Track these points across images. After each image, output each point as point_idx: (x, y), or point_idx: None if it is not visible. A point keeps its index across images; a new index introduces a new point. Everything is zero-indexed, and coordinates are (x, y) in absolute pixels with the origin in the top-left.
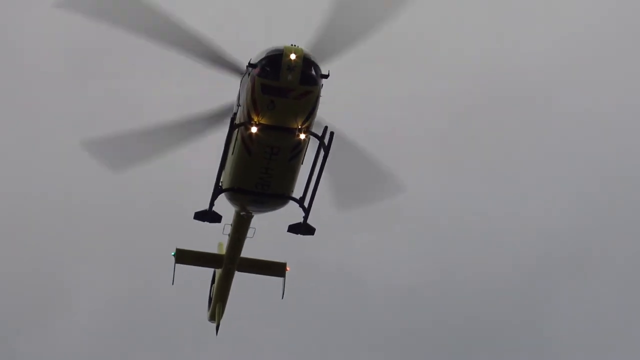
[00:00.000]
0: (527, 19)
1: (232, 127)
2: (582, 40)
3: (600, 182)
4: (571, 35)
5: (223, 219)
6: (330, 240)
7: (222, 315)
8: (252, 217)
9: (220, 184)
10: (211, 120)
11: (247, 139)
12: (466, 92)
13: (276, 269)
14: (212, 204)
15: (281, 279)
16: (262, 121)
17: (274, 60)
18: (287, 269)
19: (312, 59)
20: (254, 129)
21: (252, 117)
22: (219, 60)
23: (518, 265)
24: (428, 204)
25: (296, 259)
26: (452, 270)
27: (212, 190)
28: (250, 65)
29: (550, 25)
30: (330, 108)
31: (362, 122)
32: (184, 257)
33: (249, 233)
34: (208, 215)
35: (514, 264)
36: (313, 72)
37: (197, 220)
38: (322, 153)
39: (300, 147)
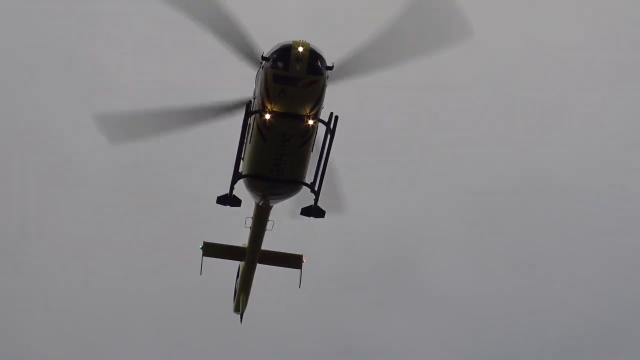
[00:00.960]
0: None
1: (247, 114)
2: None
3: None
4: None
5: (244, 213)
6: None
7: (245, 306)
8: (270, 208)
9: (239, 172)
10: (223, 110)
11: (262, 126)
12: (493, 180)
13: (294, 261)
14: (232, 188)
15: (298, 270)
16: (275, 109)
17: (284, 53)
18: (304, 260)
19: (318, 52)
20: (267, 116)
21: (266, 105)
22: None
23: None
24: (455, 286)
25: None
26: (478, 350)
27: (231, 177)
28: (263, 58)
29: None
30: (364, 195)
31: (393, 206)
32: (210, 250)
33: (268, 226)
34: (229, 199)
35: (540, 344)
36: (319, 63)
37: (219, 204)
38: (328, 138)
39: (309, 134)
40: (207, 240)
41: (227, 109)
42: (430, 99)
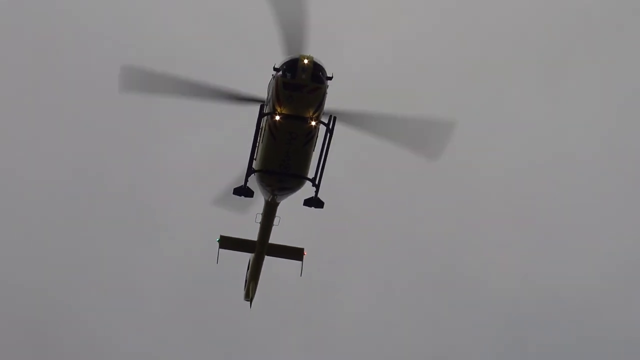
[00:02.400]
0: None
1: (261, 114)
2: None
3: None
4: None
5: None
6: None
7: (254, 293)
8: (277, 204)
9: (252, 167)
10: (237, 98)
11: (272, 126)
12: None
13: (295, 253)
14: (246, 181)
15: (300, 262)
16: (284, 111)
17: (292, 64)
18: (305, 253)
19: (320, 64)
20: (277, 117)
21: (276, 108)
22: (241, 98)
23: None
24: None
25: None
26: None
27: (245, 171)
28: (275, 69)
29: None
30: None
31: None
32: (226, 242)
33: (275, 221)
34: (244, 190)
35: None
36: (321, 73)
37: (235, 195)
38: (328, 137)
39: (312, 134)
40: (223, 234)
41: (241, 99)
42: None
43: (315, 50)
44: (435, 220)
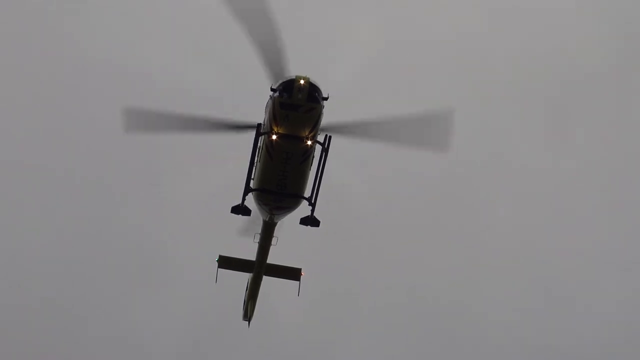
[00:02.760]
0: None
1: (257, 134)
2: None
3: None
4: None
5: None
6: None
7: (253, 312)
8: (275, 224)
9: (250, 186)
10: (231, 127)
11: (269, 145)
12: None
13: (293, 274)
14: (243, 200)
15: (298, 282)
16: (280, 131)
17: (289, 84)
18: (302, 273)
19: (316, 84)
20: (274, 137)
21: (273, 127)
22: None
23: None
24: None
25: None
26: None
27: (243, 190)
28: (272, 89)
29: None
30: None
31: None
32: (224, 262)
33: (273, 241)
34: (241, 209)
35: None
36: (316, 94)
37: (233, 213)
38: (323, 156)
39: (308, 153)
40: (222, 254)
41: (238, 127)
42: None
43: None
44: (438, 275)
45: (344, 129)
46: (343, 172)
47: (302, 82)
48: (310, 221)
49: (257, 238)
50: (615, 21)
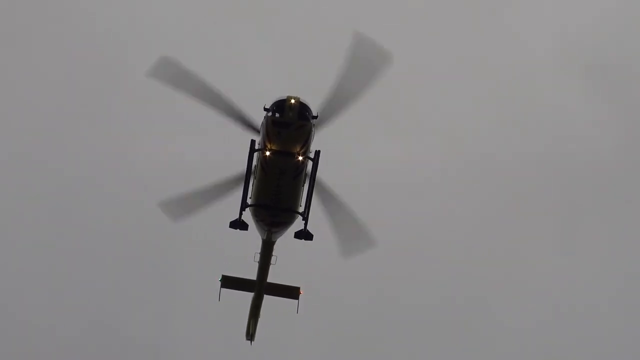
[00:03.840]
0: None
1: (252, 150)
2: None
3: None
4: None
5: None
6: None
7: (255, 330)
8: (273, 243)
9: (246, 202)
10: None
11: (263, 161)
12: None
13: (292, 292)
14: (240, 214)
15: (297, 300)
16: (273, 147)
17: (280, 104)
18: (301, 292)
19: (306, 103)
20: (267, 153)
21: (267, 144)
22: (242, 119)
23: None
24: None
25: None
26: None
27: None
28: (265, 109)
29: None
30: None
31: None
32: (227, 282)
33: (272, 260)
34: (238, 224)
35: None
36: (306, 112)
37: (231, 228)
38: (313, 170)
39: (300, 169)
40: (225, 274)
41: (245, 122)
42: None
43: None
44: None
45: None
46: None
47: (292, 101)
48: (304, 235)
49: (257, 258)
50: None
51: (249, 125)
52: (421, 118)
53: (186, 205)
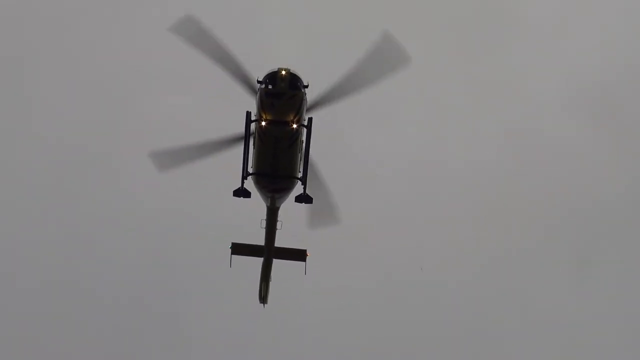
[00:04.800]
0: None
1: (248, 121)
2: None
3: None
4: None
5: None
6: None
7: (267, 292)
8: (277, 208)
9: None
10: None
11: (260, 131)
12: None
13: (299, 255)
14: (242, 183)
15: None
16: (268, 117)
17: (272, 76)
18: (308, 254)
19: (296, 74)
20: (263, 123)
21: (262, 115)
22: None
23: None
24: None
25: None
26: None
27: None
28: (258, 82)
29: None
30: None
31: None
32: (237, 248)
33: (278, 225)
34: (242, 192)
35: None
36: (297, 82)
37: (235, 196)
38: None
39: (295, 136)
40: (235, 242)
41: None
42: None
43: None
44: None
45: (324, 100)
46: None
47: (283, 72)
48: (304, 198)
49: (263, 224)
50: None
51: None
52: (430, 160)
53: (175, 157)
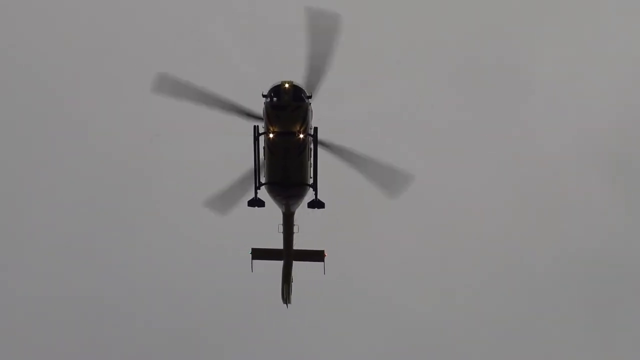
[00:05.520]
0: None
1: (256, 136)
2: None
3: None
4: None
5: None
6: None
7: (290, 294)
8: (293, 213)
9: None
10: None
11: (269, 143)
12: None
13: (317, 255)
14: (255, 193)
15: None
16: (275, 129)
17: (276, 89)
18: (326, 254)
19: (299, 86)
20: (271, 136)
21: (269, 127)
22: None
23: None
24: None
25: None
26: None
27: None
28: (263, 95)
29: None
30: None
31: None
32: (257, 253)
33: (295, 229)
34: (255, 202)
35: None
36: (300, 94)
37: (249, 207)
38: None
39: (303, 146)
40: (254, 247)
41: (244, 113)
42: None
43: None
44: None
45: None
46: None
47: (287, 85)
48: (316, 204)
49: (281, 229)
50: None
51: (250, 115)
52: (447, 219)
53: (228, 198)
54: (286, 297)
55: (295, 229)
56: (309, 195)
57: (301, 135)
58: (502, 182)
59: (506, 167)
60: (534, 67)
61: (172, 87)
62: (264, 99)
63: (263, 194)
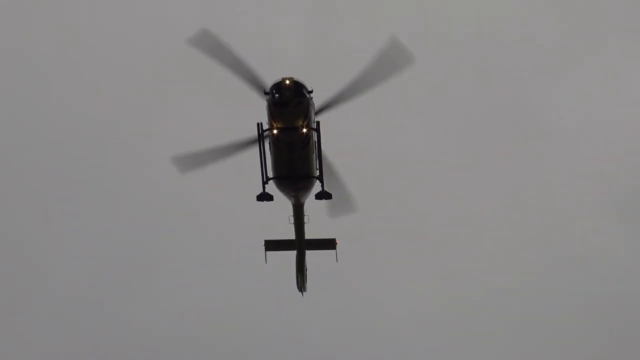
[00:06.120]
0: None
1: (260, 132)
2: None
3: None
4: None
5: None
6: None
7: (305, 282)
8: (302, 204)
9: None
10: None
11: (273, 139)
12: None
13: (329, 244)
14: (263, 188)
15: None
16: (278, 125)
17: (277, 86)
18: (337, 242)
19: (300, 82)
20: (275, 131)
21: (272, 124)
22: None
23: None
24: None
25: None
26: None
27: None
28: (265, 93)
29: None
30: None
31: None
32: (270, 245)
33: (305, 219)
34: (264, 196)
35: None
36: (301, 90)
37: (258, 201)
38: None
39: (306, 140)
40: (267, 239)
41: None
42: None
43: None
44: None
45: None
46: None
47: (287, 82)
48: (323, 195)
49: (292, 220)
50: None
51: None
52: (459, 261)
53: (197, 160)
54: (301, 285)
55: (305, 219)
56: (317, 187)
57: (304, 130)
58: (519, 226)
59: (523, 215)
60: (549, 113)
61: (210, 44)
62: (266, 95)
63: (271, 188)
